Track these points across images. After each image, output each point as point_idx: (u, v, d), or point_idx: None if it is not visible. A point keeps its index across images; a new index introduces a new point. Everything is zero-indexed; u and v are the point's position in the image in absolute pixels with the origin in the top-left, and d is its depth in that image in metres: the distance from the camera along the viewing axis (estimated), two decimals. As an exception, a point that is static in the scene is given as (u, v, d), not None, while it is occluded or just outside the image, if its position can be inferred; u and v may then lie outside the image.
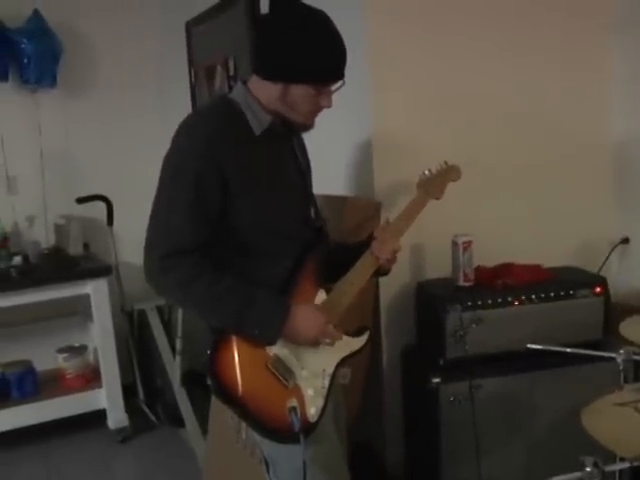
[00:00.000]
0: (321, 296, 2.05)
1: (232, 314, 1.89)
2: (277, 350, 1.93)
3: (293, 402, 1.87)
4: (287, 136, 2.09)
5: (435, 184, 2.27)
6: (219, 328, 1.93)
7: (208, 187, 1.87)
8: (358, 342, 2.12)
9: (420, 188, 2.25)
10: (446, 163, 2.30)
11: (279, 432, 1.89)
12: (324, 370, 2.01)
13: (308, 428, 1.92)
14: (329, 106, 1.98)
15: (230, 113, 1.96)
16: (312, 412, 1.95)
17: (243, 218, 1.93)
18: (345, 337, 2.06)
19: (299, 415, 1.84)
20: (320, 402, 1.98)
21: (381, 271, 2.18)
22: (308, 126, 2.03)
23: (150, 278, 1.93)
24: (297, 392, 1.94)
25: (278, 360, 1.93)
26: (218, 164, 1.86)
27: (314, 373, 1.99)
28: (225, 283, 1.89)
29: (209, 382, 1.87)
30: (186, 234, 1.87)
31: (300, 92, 1.91)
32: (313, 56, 1.89)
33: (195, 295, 1.89)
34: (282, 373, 1.92)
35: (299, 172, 2.13)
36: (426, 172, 2.25)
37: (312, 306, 2.01)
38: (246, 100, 1.97)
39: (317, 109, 1.99)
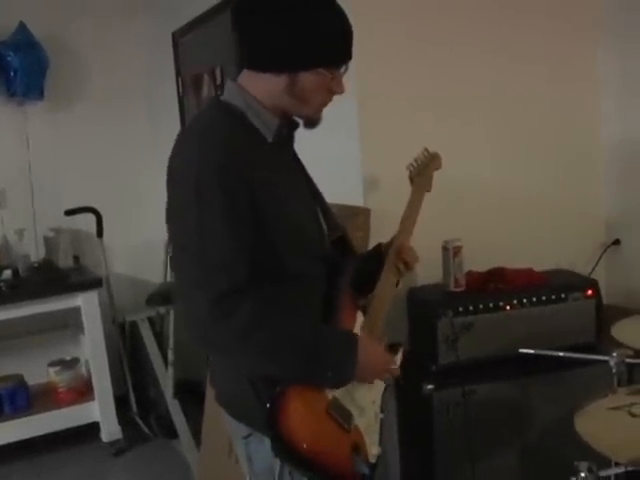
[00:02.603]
0: (360, 319, 1.84)
1: (301, 361, 1.63)
2: (334, 391, 1.70)
3: (356, 446, 1.72)
4: (291, 139, 1.84)
5: (424, 176, 2.09)
6: (269, 378, 1.65)
7: (240, 201, 1.58)
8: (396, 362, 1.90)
9: (414, 182, 2.08)
10: (427, 150, 2.12)
11: None
12: (374, 402, 1.83)
13: (372, 470, 1.77)
14: (343, 91, 1.74)
15: (235, 117, 1.69)
16: (374, 452, 1.78)
17: (272, 234, 1.65)
18: None
19: (363, 459, 1.73)
20: (376, 438, 1.80)
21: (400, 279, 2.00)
22: (316, 120, 1.78)
23: (199, 331, 1.59)
24: (357, 434, 1.74)
25: (337, 402, 1.70)
26: (242, 173, 1.59)
27: (367, 408, 1.79)
28: (289, 327, 1.63)
29: (272, 444, 1.63)
30: (234, 264, 1.56)
31: (312, 79, 1.66)
32: (324, 34, 1.65)
33: (256, 347, 1.59)
34: (343, 417, 1.70)
35: (307, 179, 1.89)
36: (413, 163, 2.09)
37: (373, 339, 1.79)
38: (245, 101, 1.70)
39: (328, 98, 1.75)
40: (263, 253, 1.63)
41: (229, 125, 1.67)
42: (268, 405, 1.62)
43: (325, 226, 1.84)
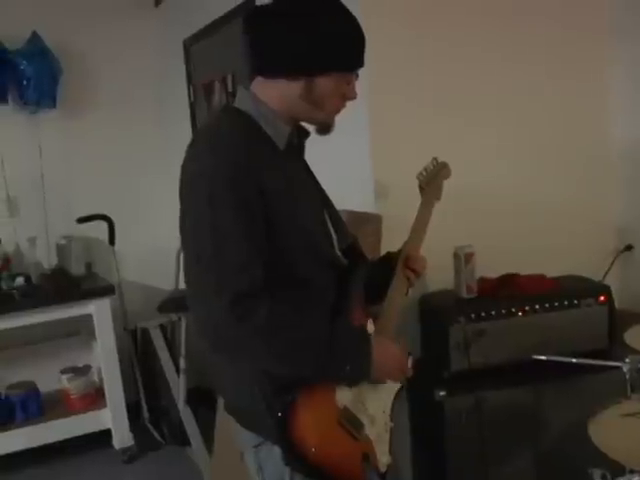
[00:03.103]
0: (371, 327, 1.82)
1: (320, 355, 1.63)
2: (345, 400, 1.70)
3: (366, 456, 1.72)
4: (302, 147, 1.84)
5: (434, 185, 2.10)
6: (280, 386, 1.64)
7: (252, 207, 1.58)
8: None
9: (424, 191, 2.08)
10: (436, 160, 2.13)
11: None
12: (384, 411, 1.82)
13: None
14: (355, 97, 1.75)
15: (247, 124, 1.69)
16: (384, 461, 1.78)
17: (282, 240, 1.65)
18: None
19: (373, 468, 1.73)
20: (386, 447, 1.80)
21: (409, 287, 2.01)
22: (330, 126, 1.78)
23: (218, 336, 1.57)
24: (367, 443, 1.74)
25: (348, 412, 1.70)
26: (254, 180, 1.58)
27: (378, 417, 1.79)
28: (307, 324, 1.65)
29: (283, 453, 1.63)
30: (251, 265, 1.56)
31: (329, 84, 1.67)
32: (340, 38, 1.66)
33: (278, 343, 1.59)
34: (353, 426, 1.71)
35: (318, 187, 1.89)
36: (423, 172, 2.09)
37: (386, 338, 1.79)
38: (258, 109, 1.70)
39: (342, 104, 1.75)
40: (273, 259, 1.62)
41: (241, 132, 1.66)
42: (279, 414, 1.62)
43: (334, 234, 1.84)
